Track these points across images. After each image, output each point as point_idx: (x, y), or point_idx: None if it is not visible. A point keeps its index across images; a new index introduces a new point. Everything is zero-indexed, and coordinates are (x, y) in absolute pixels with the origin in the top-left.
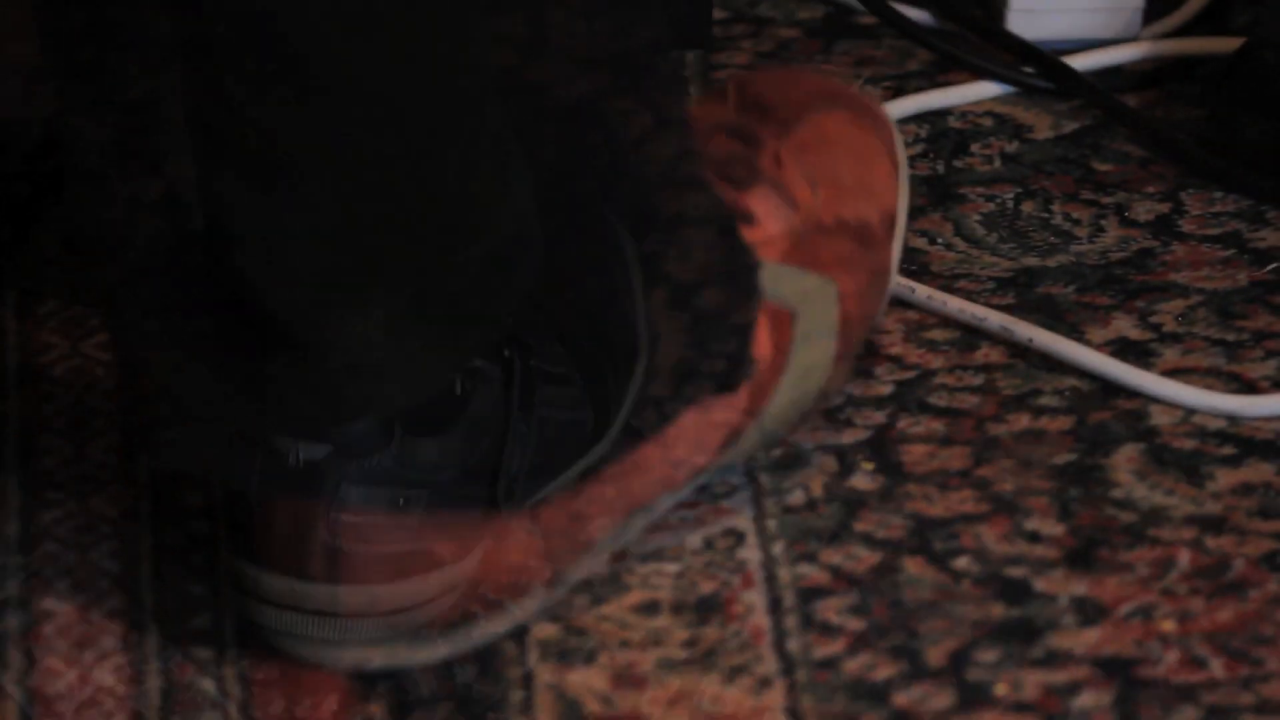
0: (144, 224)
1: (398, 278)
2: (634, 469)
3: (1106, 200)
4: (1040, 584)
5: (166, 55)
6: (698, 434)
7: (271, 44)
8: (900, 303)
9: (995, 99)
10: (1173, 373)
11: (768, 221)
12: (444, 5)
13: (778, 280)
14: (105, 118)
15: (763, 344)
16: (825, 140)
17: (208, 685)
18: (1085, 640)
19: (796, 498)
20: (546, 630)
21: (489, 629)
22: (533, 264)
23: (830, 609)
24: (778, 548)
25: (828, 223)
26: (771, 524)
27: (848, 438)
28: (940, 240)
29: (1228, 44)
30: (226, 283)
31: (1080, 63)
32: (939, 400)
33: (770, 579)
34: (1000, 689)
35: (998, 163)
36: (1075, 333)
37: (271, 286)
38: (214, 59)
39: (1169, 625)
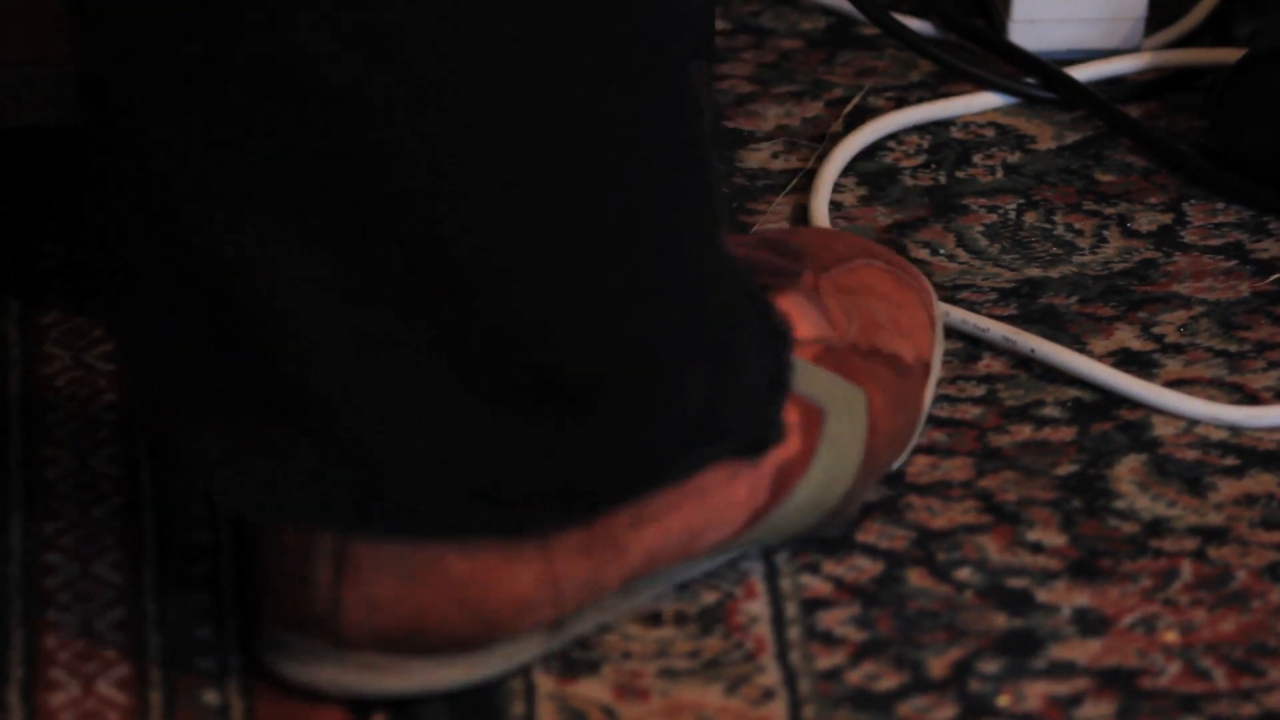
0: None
1: None
2: (655, 524)
3: (1109, 211)
4: (1043, 595)
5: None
6: (720, 509)
7: None
8: None
9: (997, 110)
10: (1175, 383)
11: (801, 324)
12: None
13: (809, 378)
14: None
15: (792, 435)
16: (863, 285)
17: (210, 697)
18: (1088, 651)
19: None
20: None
21: (489, 665)
22: None
23: (833, 620)
24: (780, 558)
25: (862, 347)
26: (784, 541)
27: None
28: (943, 251)
29: (1230, 55)
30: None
31: (1082, 73)
32: (941, 411)
33: (773, 590)
34: (1003, 700)
35: (1000, 173)
36: (1078, 343)
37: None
38: None
39: (1171, 636)
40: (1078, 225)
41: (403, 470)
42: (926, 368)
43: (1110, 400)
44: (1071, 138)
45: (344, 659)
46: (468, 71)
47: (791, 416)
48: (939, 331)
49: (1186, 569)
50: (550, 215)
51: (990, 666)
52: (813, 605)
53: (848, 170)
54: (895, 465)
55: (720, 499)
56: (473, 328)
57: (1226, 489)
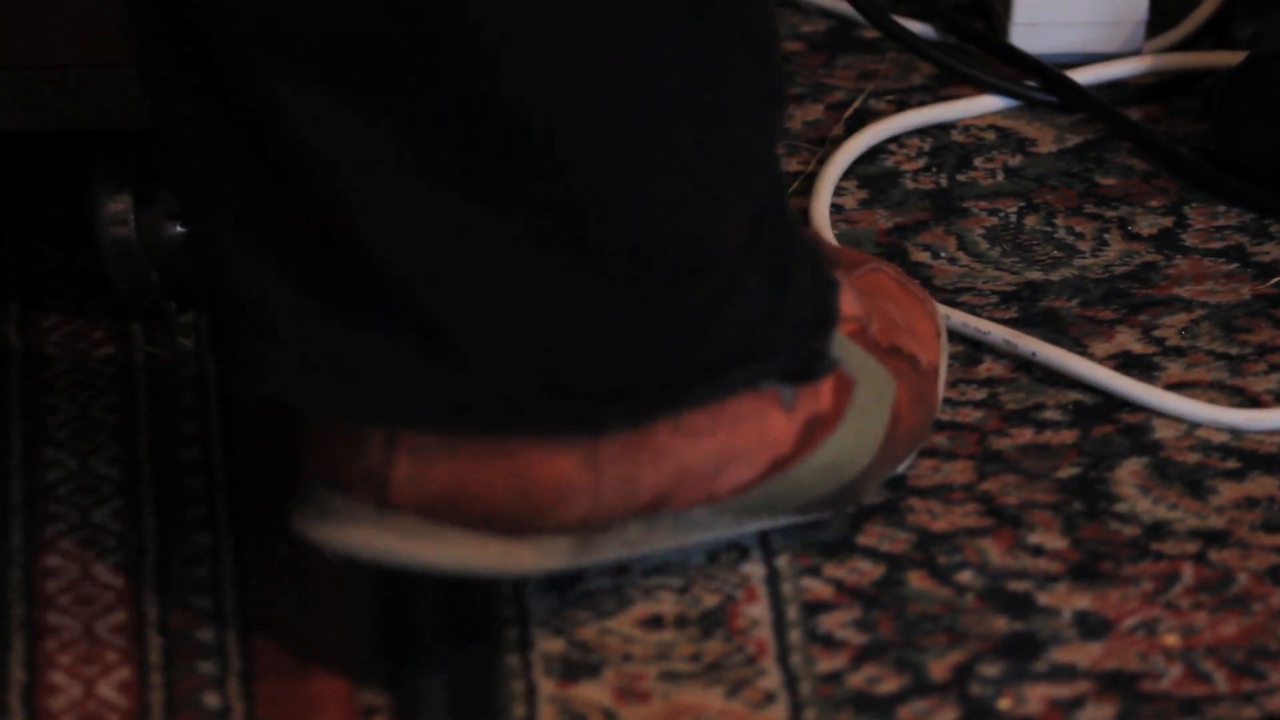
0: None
1: None
2: (690, 439)
3: (1110, 214)
4: (1043, 598)
5: None
6: (750, 442)
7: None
8: None
9: (998, 113)
10: (1176, 386)
11: (843, 300)
12: None
13: (845, 350)
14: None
15: (825, 392)
16: (879, 288)
17: (211, 700)
18: (1089, 654)
19: None
20: (550, 644)
21: (522, 556)
22: None
23: (834, 623)
24: (781, 561)
25: (884, 344)
26: (775, 538)
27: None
28: (943, 254)
29: (1230, 58)
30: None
31: (1083, 77)
32: (942, 414)
33: (774, 593)
34: (1004, 703)
35: (1001, 176)
36: (1079, 346)
37: None
38: None
39: (1172, 639)
40: (1079, 228)
41: (478, 362)
42: (936, 373)
43: (1111, 403)
44: (1072, 141)
45: (385, 522)
46: None
47: (826, 379)
48: (944, 342)
49: (1188, 572)
50: (638, 95)
51: (991, 669)
52: (814, 608)
53: (849, 173)
54: (901, 468)
55: (752, 430)
56: (557, 203)
57: (1228, 492)
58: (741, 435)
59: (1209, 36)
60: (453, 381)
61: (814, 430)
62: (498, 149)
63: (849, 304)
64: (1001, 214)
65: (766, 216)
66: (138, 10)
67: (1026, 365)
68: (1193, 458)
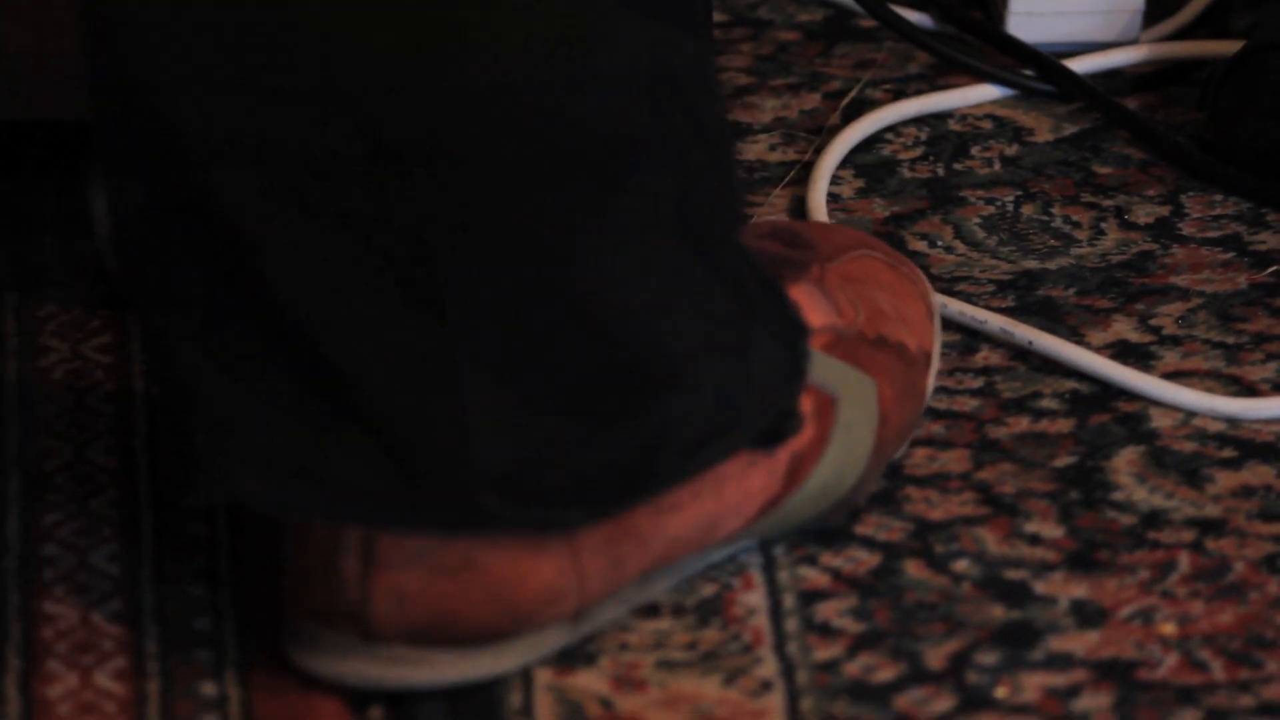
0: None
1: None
2: (675, 514)
3: (1106, 203)
4: (1040, 586)
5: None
6: (737, 498)
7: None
8: None
9: (995, 102)
10: (1173, 375)
11: (812, 314)
12: None
13: (821, 367)
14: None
15: (806, 424)
16: (866, 274)
17: (208, 689)
18: (1085, 643)
19: None
20: None
21: (513, 657)
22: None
23: (830, 611)
24: (778, 550)
25: (869, 336)
26: (798, 529)
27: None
28: (940, 243)
29: (1227, 47)
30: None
31: (1080, 66)
32: (939, 403)
33: (770, 581)
34: (1000, 691)
35: (998, 165)
36: (1075, 335)
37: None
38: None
39: (1169, 628)
40: (1075, 217)
41: (441, 465)
42: (928, 358)
43: (1108, 392)
44: (1069, 130)
45: (372, 652)
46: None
47: (805, 405)
48: (937, 324)
49: (1184, 561)
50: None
51: (988, 658)
52: (810, 597)
53: (845, 162)
54: (895, 455)
55: (737, 488)
56: (518, 326)
57: (1224, 481)
58: (726, 495)
59: (1206, 26)
60: (417, 485)
61: (801, 464)
62: (459, 269)
63: (821, 315)
64: (998, 203)
65: (723, 300)
66: (100, 104)
67: (1023, 354)
68: (1189, 446)
